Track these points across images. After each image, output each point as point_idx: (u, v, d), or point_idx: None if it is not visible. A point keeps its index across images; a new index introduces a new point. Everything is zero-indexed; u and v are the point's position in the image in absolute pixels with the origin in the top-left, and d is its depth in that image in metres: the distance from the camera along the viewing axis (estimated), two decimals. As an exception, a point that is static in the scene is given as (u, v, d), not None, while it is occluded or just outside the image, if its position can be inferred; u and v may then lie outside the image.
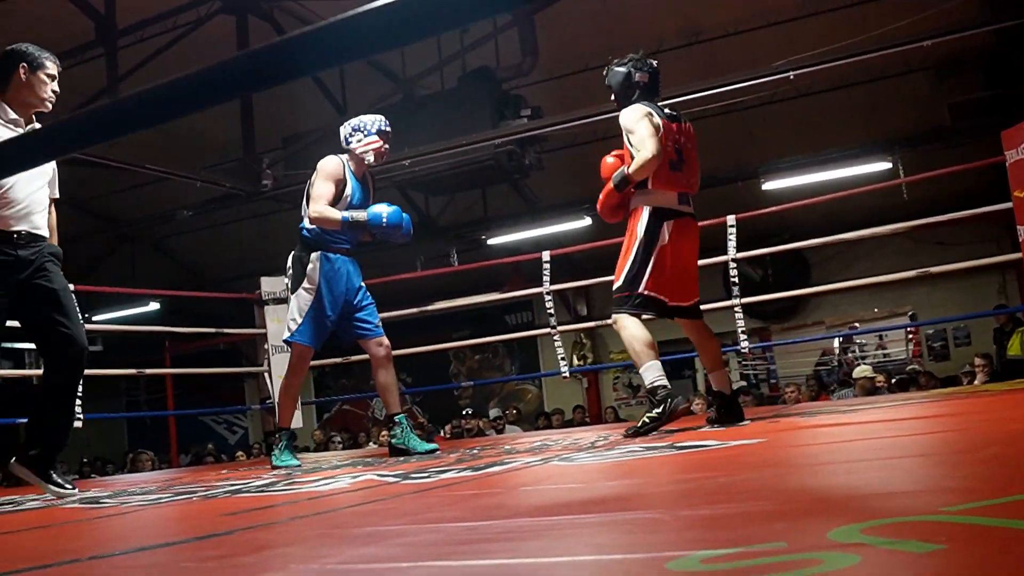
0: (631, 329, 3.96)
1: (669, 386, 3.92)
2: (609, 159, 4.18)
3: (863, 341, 13.49)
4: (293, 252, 4.69)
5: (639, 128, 3.91)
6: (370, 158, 4.61)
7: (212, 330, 8.30)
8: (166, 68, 7.92)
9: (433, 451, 4.52)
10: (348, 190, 4.54)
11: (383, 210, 4.40)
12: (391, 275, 7.98)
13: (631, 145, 3.94)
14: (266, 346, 7.01)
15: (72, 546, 1.91)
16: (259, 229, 12.65)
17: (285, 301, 7.02)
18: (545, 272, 6.55)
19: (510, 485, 2.26)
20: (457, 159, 8.14)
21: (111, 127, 1.22)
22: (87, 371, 6.19)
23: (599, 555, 1.11)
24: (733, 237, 6.09)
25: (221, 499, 2.68)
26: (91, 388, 6.83)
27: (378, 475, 2.90)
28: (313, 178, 4.59)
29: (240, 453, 12.26)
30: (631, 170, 3.91)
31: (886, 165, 9.68)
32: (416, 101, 8.47)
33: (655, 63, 4.22)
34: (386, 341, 4.72)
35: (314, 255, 4.56)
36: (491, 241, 11.35)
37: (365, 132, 4.59)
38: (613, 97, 4.19)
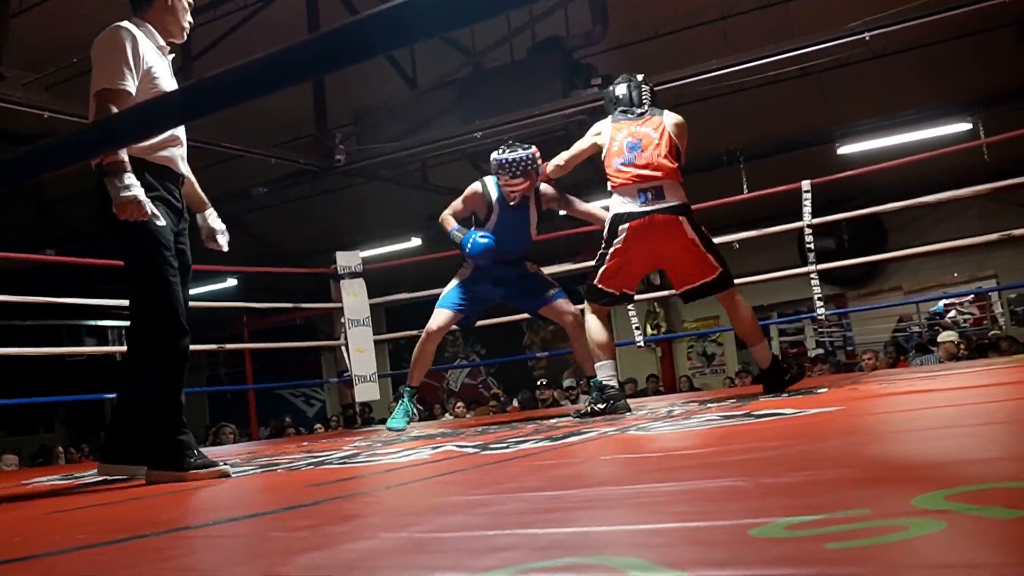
0: (590, 325, 4.40)
1: (617, 387, 4.28)
2: None
3: (943, 306, 13.22)
4: None
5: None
6: (515, 200, 4.78)
7: (289, 305, 8.47)
8: (238, 46, 8.03)
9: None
10: (493, 217, 4.79)
11: (471, 240, 4.67)
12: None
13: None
14: (342, 320, 7.11)
15: (165, 516, 1.98)
16: (333, 204, 12.79)
17: (361, 275, 7.15)
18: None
19: (589, 455, 2.28)
20: (528, 130, 8.12)
21: (196, 108, 1.24)
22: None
23: (682, 523, 1.12)
24: (808, 203, 6.00)
25: (305, 471, 2.74)
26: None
27: (457, 446, 2.94)
28: None
29: (319, 426, 12.46)
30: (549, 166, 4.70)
31: (966, 126, 9.44)
32: (486, 73, 8.47)
33: (641, 78, 4.51)
34: (572, 307, 4.93)
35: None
36: (563, 211, 11.32)
37: (511, 174, 4.68)
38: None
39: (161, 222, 2.97)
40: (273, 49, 1.06)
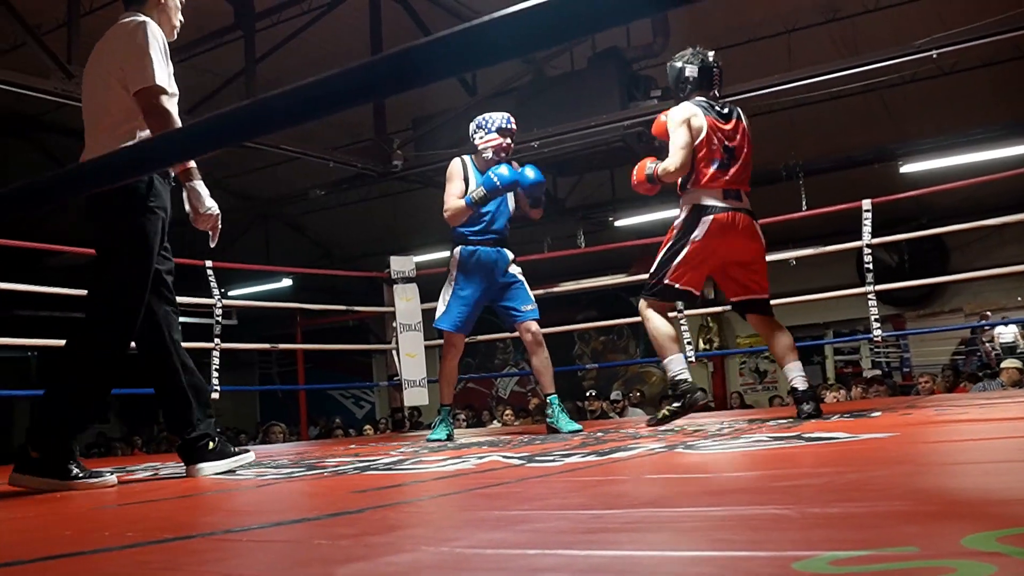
0: (654, 321, 4.22)
1: (690, 379, 4.23)
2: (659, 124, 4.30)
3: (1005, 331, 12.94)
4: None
5: (675, 135, 4.06)
6: (488, 154, 4.80)
7: (342, 307, 8.54)
8: (301, 50, 8.13)
9: (577, 431, 4.70)
10: (472, 184, 4.78)
11: (492, 175, 4.60)
12: (518, 255, 8.02)
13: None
14: (394, 324, 7.14)
15: (211, 519, 2.00)
16: (389, 208, 12.90)
17: (414, 280, 7.19)
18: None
19: (635, 472, 2.26)
20: (586, 140, 8.12)
21: (253, 126, 1.25)
22: (224, 344, 6.48)
23: (724, 551, 1.11)
24: (868, 222, 5.91)
25: (351, 476, 2.75)
26: (227, 361, 7.10)
27: (503, 456, 2.94)
28: None
29: (368, 428, 12.55)
30: (659, 171, 4.12)
31: (1034, 147, 9.26)
32: (545, 82, 8.48)
33: (712, 56, 4.30)
34: (533, 327, 4.90)
35: (456, 249, 4.88)
36: (618, 223, 11.29)
37: (486, 129, 4.78)
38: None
39: (156, 235, 3.06)
40: (341, 68, 1.06)
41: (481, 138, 4.78)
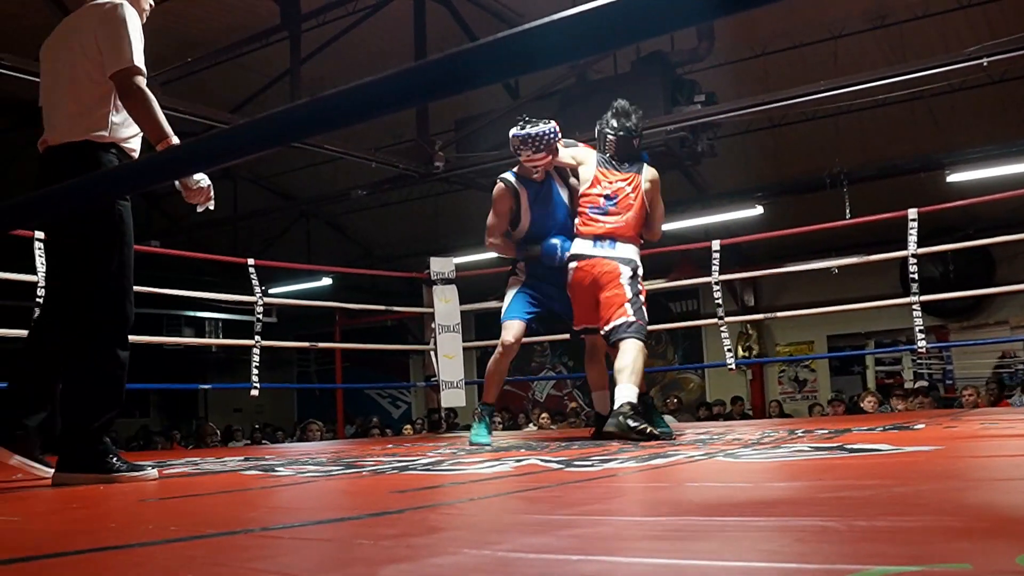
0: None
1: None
2: None
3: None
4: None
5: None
6: (537, 175, 4.71)
7: (381, 307, 8.57)
8: (345, 51, 8.18)
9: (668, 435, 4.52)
10: (524, 202, 4.70)
11: (558, 244, 4.62)
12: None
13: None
14: (433, 325, 7.16)
15: (253, 515, 2.01)
16: (430, 209, 12.93)
17: (453, 282, 7.20)
18: (714, 262, 6.45)
19: (675, 479, 2.24)
20: (653, 138, 8.07)
21: (306, 126, 1.26)
22: (264, 342, 6.53)
23: (771, 562, 1.09)
24: (914, 232, 5.84)
25: (389, 475, 2.76)
26: (266, 358, 7.16)
27: (542, 460, 2.93)
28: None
29: (407, 427, 12.60)
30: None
31: (1084, 158, 9.09)
32: (589, 85, 8.46)
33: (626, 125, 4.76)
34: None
35: (520, 264, 4.84)
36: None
37: (534, 148, 4.53)
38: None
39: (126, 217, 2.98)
40: (387, 72, 1.06)
41: (528, 157, 4.58)
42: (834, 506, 1.57)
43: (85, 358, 2.89)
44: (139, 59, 2.86)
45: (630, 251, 4.57)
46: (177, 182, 2.98)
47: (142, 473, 2.87)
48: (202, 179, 3.02)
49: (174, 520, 1.89)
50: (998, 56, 6.50)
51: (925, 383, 12.28)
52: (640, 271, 4.62)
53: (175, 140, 2.84)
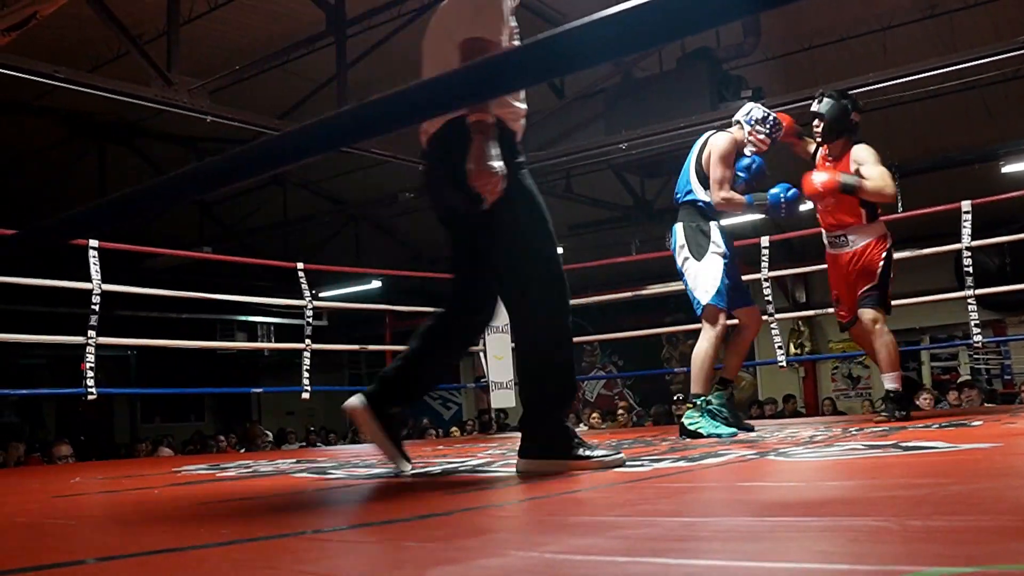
0: (889, 334, 4.61)
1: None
2: (820, 176, 4.76)
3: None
4: (683, 222, 4.67)
5: (880, 167, 4.65)
6: (751, 149, 4.72)
7: (430, 309, 8.58)
8: (390, 55, 8.21)
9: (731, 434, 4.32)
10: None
11: (781, 192, 4.65)
12: (606, 258, 8.01)
13: (861, 174, 4.62)
14: (481, 326, 7.17)
15: (303, 518, 2.03)
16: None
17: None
18: (763, 257, 6.39)
19: (726, 480, 2.22)
20: (675, 141, 8.02)
21: (359, 130, 1.26)
22: (314, 345, 6.59)
23: (824, 563, 1.08)
24: (968, 224, 5.75)
25: (438, 477, 2.77)
26: (318, 361, 7.21)
27: (591, 460, 2.92)
28: (705, 154, 4.68)
29: (454, 429, 12.64)
30: (870, 188, 4.56)
31: None
32: (635, 83, 8.42)
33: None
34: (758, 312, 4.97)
35: (712, 223, 4.62)
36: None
37: (767, 131, 4.72)
38: (822, 126, 4.84)
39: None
40: (442, 74, 1.06)
41: (759, 133, 4.67)
42: (888, 506, 1.55)
43: (533, 341, 2.81)
44: (496, 35, 2.64)
45: None
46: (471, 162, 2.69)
47: (613, 457, 2.66)
48: (498, 166, 2.65)
49: (226, 523, 1.91)
50: (1050, 44, 6.37)
51: (968, 377, 12.04)
52: None
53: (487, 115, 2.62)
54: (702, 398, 4.42)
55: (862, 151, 4.71)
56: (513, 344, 2.60)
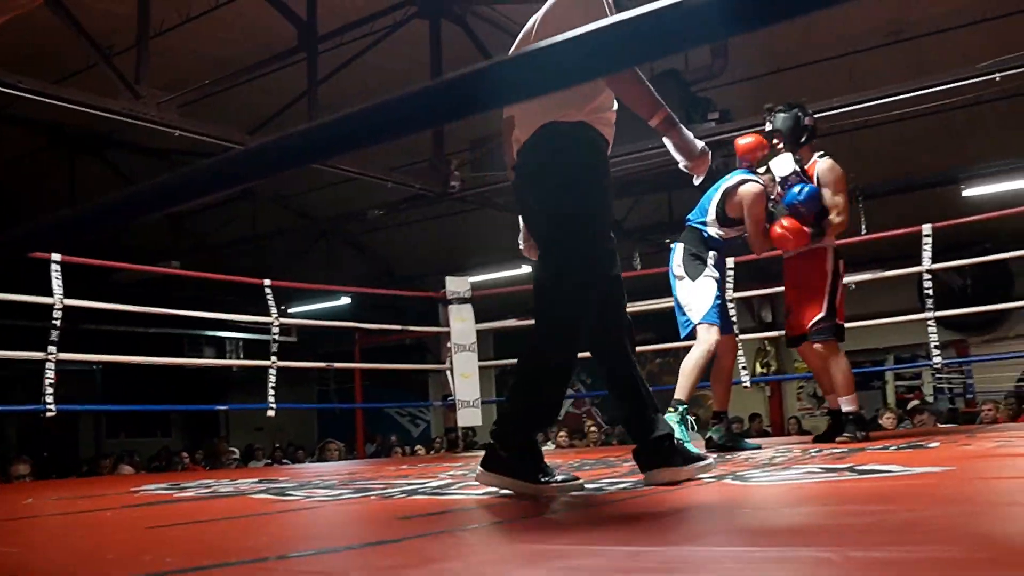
0: (844, 361, 4.61)
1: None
2: (784, 230, 4.69)
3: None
4: (685, 243, 4.95)
5: (843, 193, 4.69)
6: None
7: (398, 327, 8.58)
8: (362, 72, 8.21)
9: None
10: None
11: (793, 198, 4.67)
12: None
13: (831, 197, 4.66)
14: (449, 344, 7.17)
15: (253, 543, 2.01)
16: (448, 228, 12.95)
17: (469, 301, 7.21)
18: (729, 277, 6.43)
19: (680, 505, 2.23)
20: (643, 162, 8.06)
21: (318, 150, 1.25)
22: (280, 362, 6.56)
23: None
24: (928, 247, 5.83)
25: (397, 500, 2.76)
26: (287, 377, 7.17)
27: (550, 483, 2.91)
28: (735, 200, 4.82)
29: (420, 448, 12.61)
30: (835, 223, 4.63)
31: (1102, 172, 9.03)
32: (600, 102, 8.45)
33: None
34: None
35: (712, 252, 4.84)
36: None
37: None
38: (782, 141, 4.80)
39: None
40: (399, 93, 1.05)
41: (779, 186, 4.78)
42: (833, 534, 1.56)
43: (542, 368, 2.73)
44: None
45: None
46: (678, 156, 2.76)
47: (568, 483, 2.60)
48: (702, 146, 2.75)
49: (172, 550, 1.89)
50: (1011, 71, 6.48)
51: (918, 403, 12.11)
52: None
53: (664, 111, 2.69)
54: (683, 406, 4.61)
55: (828, 173, 4.69)
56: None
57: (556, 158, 2.66)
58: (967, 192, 9.62)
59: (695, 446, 4.33)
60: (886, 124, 8.93)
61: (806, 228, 4.61)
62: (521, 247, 3.12)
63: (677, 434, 4.30)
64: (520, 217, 3.02)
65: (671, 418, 4.50)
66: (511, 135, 2.82)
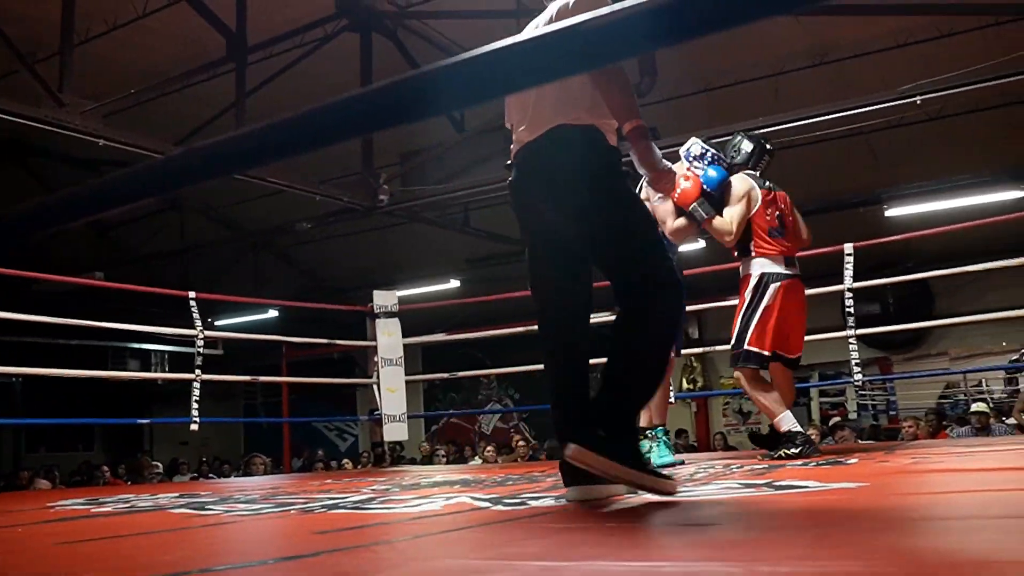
0: (763, 386, 4.56)
1: (802, 430, 4.51)
2: (685, 183, 4.53)
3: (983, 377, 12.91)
4: None
5: (737, 206, 4.56)
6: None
7: (324, 340, 8.51)
8: (292, 84, 8.16)
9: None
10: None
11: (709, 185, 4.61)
12: (504, 292, 8.04)
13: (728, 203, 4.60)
14: (376, 358, 7.12)
15: (167, 558, 1.97)
16: (377, 241, 12.91)
17: (396, 315, 7.17)
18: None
19: (599, 520, 2.24)
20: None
21: (241, 159, 1.23)
22: (204, 376, 6.46)
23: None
24: (850, 267, 5.96)
25: (317, 514, 2.73)
26: (213, 391, 7.06)
27: (472, 498, 2.92)
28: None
29: (347, 461, 12.50)
30: (714, 225, 4.53)
31: (1018, 194, 9.32)
32: (535, 118, 8.50)
33: (764, 140, 4.87)
34: None
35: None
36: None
37: (705, 166, 4.68)
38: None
39: None
40: (327, 101, 1.04)
41: (697, 169, 4.65)
42: (742, 549, 1.57)
43: (649, 347, 2.75)
44: None
45: None
46: (641, 168, 2.75)
47: (668, 481, 2.58)
48: (667, 164, 2.77)
49: (84, 565, 1.84)
50: (931, 94, 6.67)
51: (838, 419, 12.37)
52: None
53: (638, 120, 2.65)
54: (654, 429, 4.72)
55: (735, 182, 4.65)
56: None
57: (575, 160, 2.70)
58: (889, 212, 9.86)
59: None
60: (811, 144, 9.12)
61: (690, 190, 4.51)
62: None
63: (662, 459, 4.57)
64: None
65: (644, 444, 4.59)
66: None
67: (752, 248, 4.62)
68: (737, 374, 4.58)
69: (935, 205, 9.75)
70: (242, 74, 7.52)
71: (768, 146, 4.84)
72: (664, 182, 2.77)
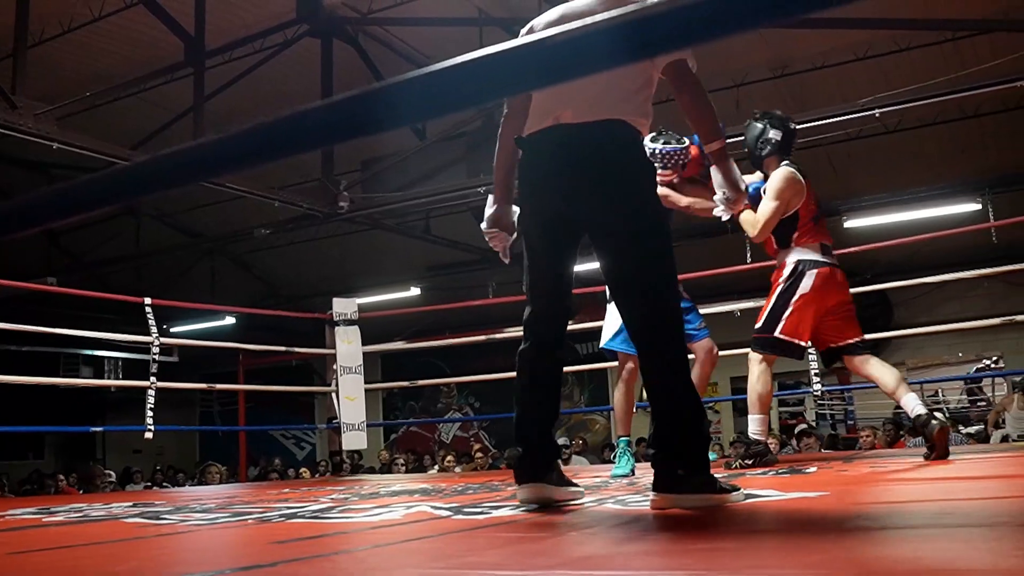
0: (763, 375, 4.41)
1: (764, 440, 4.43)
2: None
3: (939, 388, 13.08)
4: None
5: (776, 201, 4.32)
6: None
7: (282, 348, 8.44)
8: (251, 89, 8.09)
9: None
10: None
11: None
12: (464, 300, 8.02)
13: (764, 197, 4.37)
14: (335, 366, 7.07)
15: (122, 568, 1.93)
16: (336, 248, 12.83)
17: (356, 323, 7.12)
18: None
19: (560, 529, 2.22)
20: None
21: (193, 171, 1.20)
22: (160, 383, 6.37)
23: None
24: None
25: (275, 523, 2.69)
26: (169, 398, 6.97)
27: (432, 507, 2.89)
28: None
29: (304, 470, 12.39)
30: (742, 218, 4.32)
31: (975, 206, 9.45)
32: (496, 127, 8.49)
33: (787, 118, 4.62)
34: (708, 344, 4.69)
35: None
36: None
37: (661, 165, 4.48)
38: (747, 150, 4.59)
39: None
40: (287, 113, 1.01)
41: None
42: (699, 558, 1.56)
43: (679, 376, 2.75)
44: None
45: None
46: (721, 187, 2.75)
47: (737, 493, 2.52)
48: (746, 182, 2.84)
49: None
50: (889, 108, 6.75)
51: (805, 426, 12.46)
52: None
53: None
54: (621, 439, 4.71)
55: (773, 178, 4.43)
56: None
57: (635, 163, 2.67)
58: (848, 223, 9.96)
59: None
60: (769, 156, 9.18)
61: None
62: (489, 230, 3.17)
63: (618, 468, 4.52)
64: (495, 195, 3.04)
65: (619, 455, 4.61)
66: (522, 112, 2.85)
67: (792, 240, 4.47)
68: (754, 356, 4.44)
69: (893, 217, 9.87)
70: (200, 78, 7.45)
71: (792, 125, 4.62)
72: (741, 202, 2.79)
